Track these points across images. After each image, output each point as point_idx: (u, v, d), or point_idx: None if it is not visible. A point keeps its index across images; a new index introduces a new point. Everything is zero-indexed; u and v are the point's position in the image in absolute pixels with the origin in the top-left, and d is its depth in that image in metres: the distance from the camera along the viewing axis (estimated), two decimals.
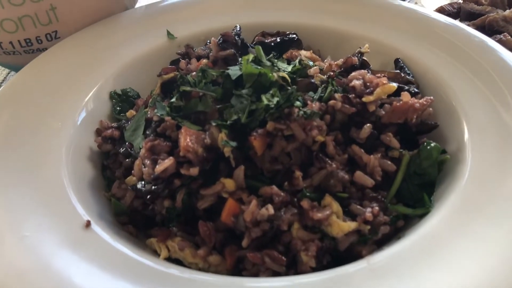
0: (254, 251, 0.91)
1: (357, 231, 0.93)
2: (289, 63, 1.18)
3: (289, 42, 1.38)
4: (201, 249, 0.95)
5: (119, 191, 1.09)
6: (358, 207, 0.95)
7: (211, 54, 1.25)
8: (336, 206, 0.93)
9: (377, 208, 0.94)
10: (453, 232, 0.88)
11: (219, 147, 0.97)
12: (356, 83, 1.06)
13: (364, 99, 1.04)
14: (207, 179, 0.97)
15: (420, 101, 1.05)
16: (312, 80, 1.11)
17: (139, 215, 1.07)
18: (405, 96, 1.06)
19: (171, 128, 1.04)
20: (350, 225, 0.91)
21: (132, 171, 1.05)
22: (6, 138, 1.10)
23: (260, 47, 1.15)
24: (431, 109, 1.10)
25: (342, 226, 0.91)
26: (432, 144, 1.03)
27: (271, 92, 1.00)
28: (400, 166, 1.02)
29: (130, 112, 1.24)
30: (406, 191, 1.02)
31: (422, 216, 0.97)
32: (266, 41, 1.37)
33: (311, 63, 1.22)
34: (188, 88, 1.06)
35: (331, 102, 1.03)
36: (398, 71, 1.25)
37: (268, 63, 1.12)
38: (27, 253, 0.87)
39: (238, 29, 1.32)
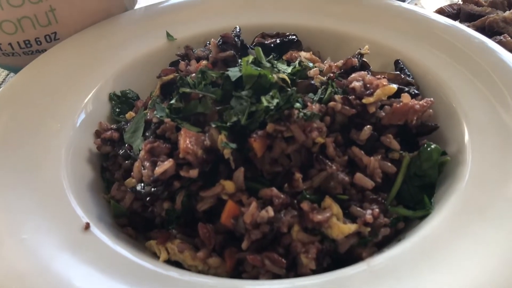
0: (254, 254, 0.91)
1: (357, 233, 0.92)
2: (289, 65, 1.18)
3: (289, 43, 1.38)
4: (201, 251, 0.94)
5: (118, 193, 1.09)
6: (358, 209, 0.95)
7: (210, 55, 1.25)
8: (336, 208, 0.93)
9: (377, 210, 0.94)
10: (453, 234, 0.88)
11: (218, 149, 0.96)
12: (356, 84, 1.06)
13: (364, 101, 1.04)
14: (207, 181, 0.97)
15: (420, 102, 1.05)
16: (312, 82, 1.11)
17: (139, 217, 1.07)
18: (405, 98, 1.06)
19: (170, 130, 1.04)
20: (350, 227, 0.91)
21: (132, 173, 1.05)
22: (5, 139, 1.10)
23: (259, 49, 1.15)
24: (431, 110, 1.09)
25: (342, 228, 0.91)
26: (433, 146, 1.03)
27: (271, 93, 1.00)
28: (400, 167, 1.02)
29: (130, 114, 1.24)
30: (406, 193, 1.02)
31: (422, 218, 0.97)
32: (265, 42, 1.37)
33: (311, 64, 1.22)
34: (187, 90, 1.06)
35: (331, 103, 1.03)
36: (398, 72, 1.25)
37: (268, 65, 1.12)
38: (26, 256, 0.87)
39: (238, 30, 1.32)
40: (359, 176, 0.98)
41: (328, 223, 0.91)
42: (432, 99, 1.07)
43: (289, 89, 1.03)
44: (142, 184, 1.00)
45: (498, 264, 0.81)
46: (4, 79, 1.72)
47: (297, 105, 0.99)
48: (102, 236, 0.93)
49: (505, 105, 1.09)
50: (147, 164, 0.98)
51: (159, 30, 1.46)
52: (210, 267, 0.94)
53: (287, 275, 0.91)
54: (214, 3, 1.56)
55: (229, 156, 0.95)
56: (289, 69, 1.13)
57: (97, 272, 0.85)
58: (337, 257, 0.93)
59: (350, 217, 0.94)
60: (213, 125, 0.98)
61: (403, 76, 1.22)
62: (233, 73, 1.06)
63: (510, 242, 0.84)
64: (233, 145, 0.95)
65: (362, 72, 1.12)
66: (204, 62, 1.23)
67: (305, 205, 0.92)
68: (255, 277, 0.92)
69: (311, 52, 1.34)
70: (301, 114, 0.97)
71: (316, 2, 1.52)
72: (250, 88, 1.03)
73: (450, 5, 1.75)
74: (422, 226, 0.93)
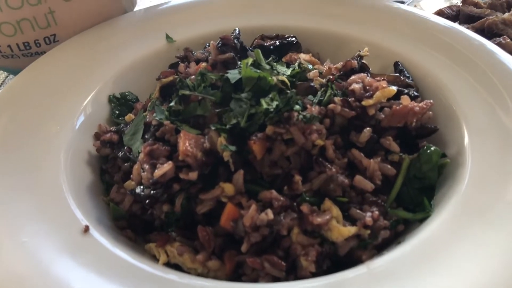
0: (253, 256, 0.91)
1: (357, 236, 0.92)
2: (288, 67, 1.18)
3: (288, 45, 1.38)
4: (200, 254, 0.94)
5: (117, 195, 1.08)
6: (358, 211, 0.95)
7: (210, 57, 1.24)
8: (336, 211, 0.93)
9: (377, 212, 0.94)
10: (453, 236, 0.88)
11: (218, 151, 0.96)
12: (356, 86, 1.06)
13: (363, 103, 1.03)
14: (206, 183, 0.97)
15: (420, 104, 1.05)
16: (312, 84, 1.11)
17: (138, 220, 1.07)
18: (405, 100, 1.06)
19: (170, 132, 1.03)
20: (350, 230, 0.91)
21: (131, 176, 1.05)
22: (4, 141, 1.10)
23: (259, 51, 1.15)
24: (430, 112, 1.09)
25: (342, 231, 0.90)
26: (432, 148, 1.03)
27: (270, 96, 1.00)
28: (400, 170, 1.02)
29: (129, 116, 1.23)
30: (406, 195, 1.02)
31: (422, 220, 0.96)
32: (265, 44, 1.37)
33: (310, 66, 1.21)
34: (187, 92, 1.06)
35: (331, 105, 1.03)
36: (397, 74, 1.25)
37: (268, 67, 1.12)
38: (25, 258, 0.87)
39: (237, 32, 1.32)
40: (358, 178, 0.98)
41: (327, 225, 0.91)
42: (431, 101, 1.07)
43: (288, 91, 1.03)
44: (142, 187, 1.00)
45: (498, 266, 0.81)
46: (3, 81, 1.71)
47: (297, 107, 0.99)
48: (102, 238, 0.93)
49: (505, 107, 1.09)
50: (146, 166, 0.97)
51: (159, 32, 1.46)
52: (210, 270, 0.94)
53: (286, 278, 0.91)
54: (213, 5, 1.56)
55: (228, 159, 0.95)
56: (289, 71, 1.13)
57: (97, 274, 0.85)
58: (337, 259, 0.93)
59: (349, 219, 0.94)
60: (213, 128, 0.98)
61: (402, 78, 1.22)
62: (233, 75, 1.06)
63: (510, 244, 0.84)
64: (233, 148, 0.95)
65: (362, 74, 1.12)
66: (203, 64, 1.23)
67: (304, 208, 0.92)
68: (255, 280, 0.92)
69: (310, 54, 1.34)
70: (301, 116, 0.97)
71: (316, 4, 1.52)
72: (249, 90, 1.03)
73: (449, 7, 1.75)
74: (422, 228, 0.93)
